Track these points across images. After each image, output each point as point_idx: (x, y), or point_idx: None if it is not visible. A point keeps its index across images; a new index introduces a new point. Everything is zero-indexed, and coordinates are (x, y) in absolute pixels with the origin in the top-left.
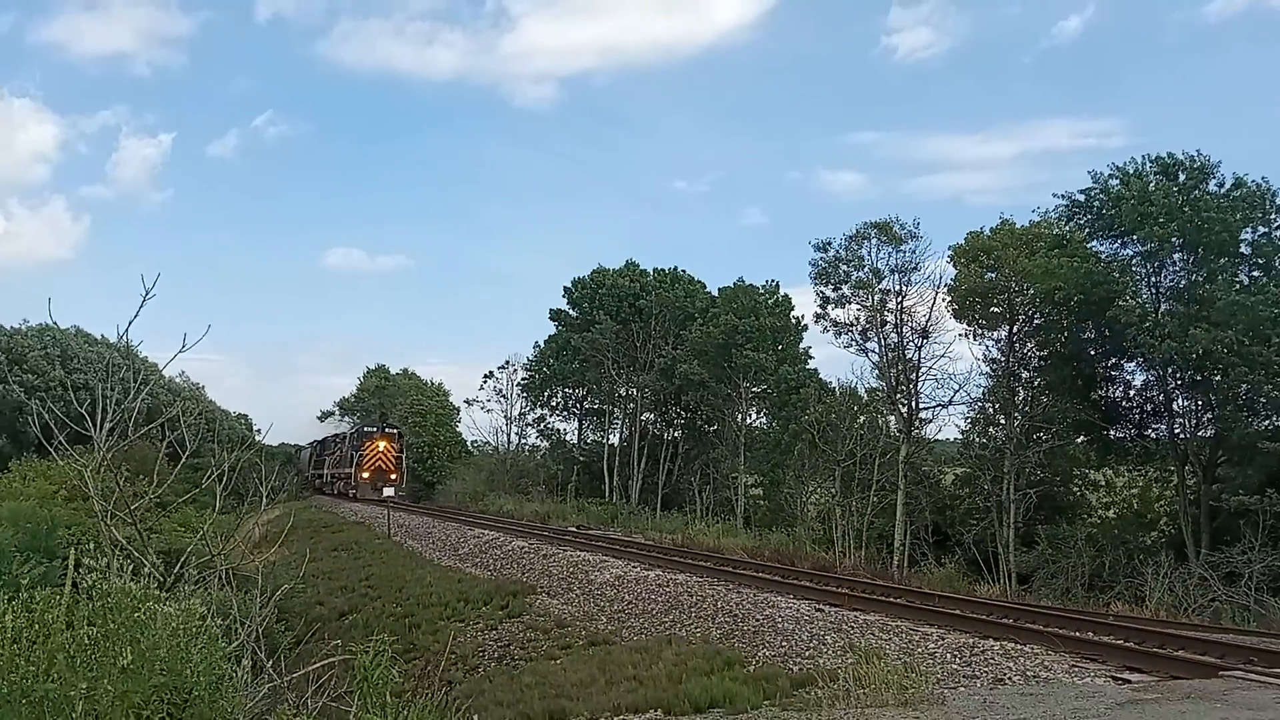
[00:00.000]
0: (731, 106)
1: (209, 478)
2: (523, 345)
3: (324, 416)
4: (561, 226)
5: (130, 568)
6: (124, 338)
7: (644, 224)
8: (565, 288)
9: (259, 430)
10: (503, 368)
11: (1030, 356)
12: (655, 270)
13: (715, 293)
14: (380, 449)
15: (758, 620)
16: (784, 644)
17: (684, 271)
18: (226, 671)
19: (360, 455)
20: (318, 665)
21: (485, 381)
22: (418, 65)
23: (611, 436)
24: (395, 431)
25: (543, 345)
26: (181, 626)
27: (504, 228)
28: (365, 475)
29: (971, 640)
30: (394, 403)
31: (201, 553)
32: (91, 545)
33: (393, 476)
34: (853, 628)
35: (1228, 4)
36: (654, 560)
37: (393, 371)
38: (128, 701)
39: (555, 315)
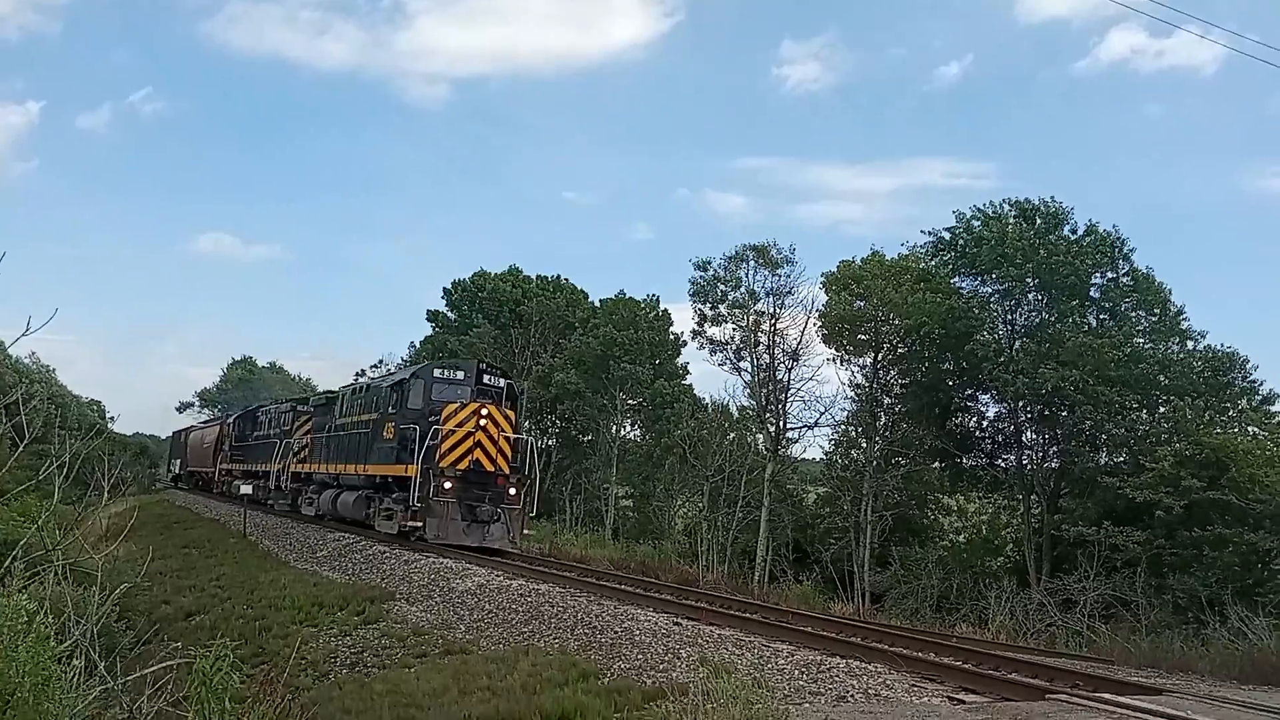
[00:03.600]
0: (624, 122)
1: (48, 466)
2: (398, 345)
3: (183, 407)
4: (445, 227)
5: None
6: None
7: (530, 231)
8: (445, 289)
9: (112, 418)
10: (375, 366)
11: (892, 384)
12: (538, 277)
13: (597, 304)
14: (482, 423)
15: (616, 633)
16: (640, 657)
17: (567, 280)
18: (54, 672)
19: (435, 435)
20: (156, 667)
21: (356, 380)
22: (308, 54)
23: None
24: (504, 384)
25: (418, 346)
26: (6, 624)
27: (386, 224)
28: (448, 484)
29: (820, 657)
30: (258, 397)
31: (36, 545)
32: None
33: (511, 492)
34: (708, 642)
35: (1093, 63)
36: (518, 569)
37: (259, 364)
38: None
39: (433, 316)
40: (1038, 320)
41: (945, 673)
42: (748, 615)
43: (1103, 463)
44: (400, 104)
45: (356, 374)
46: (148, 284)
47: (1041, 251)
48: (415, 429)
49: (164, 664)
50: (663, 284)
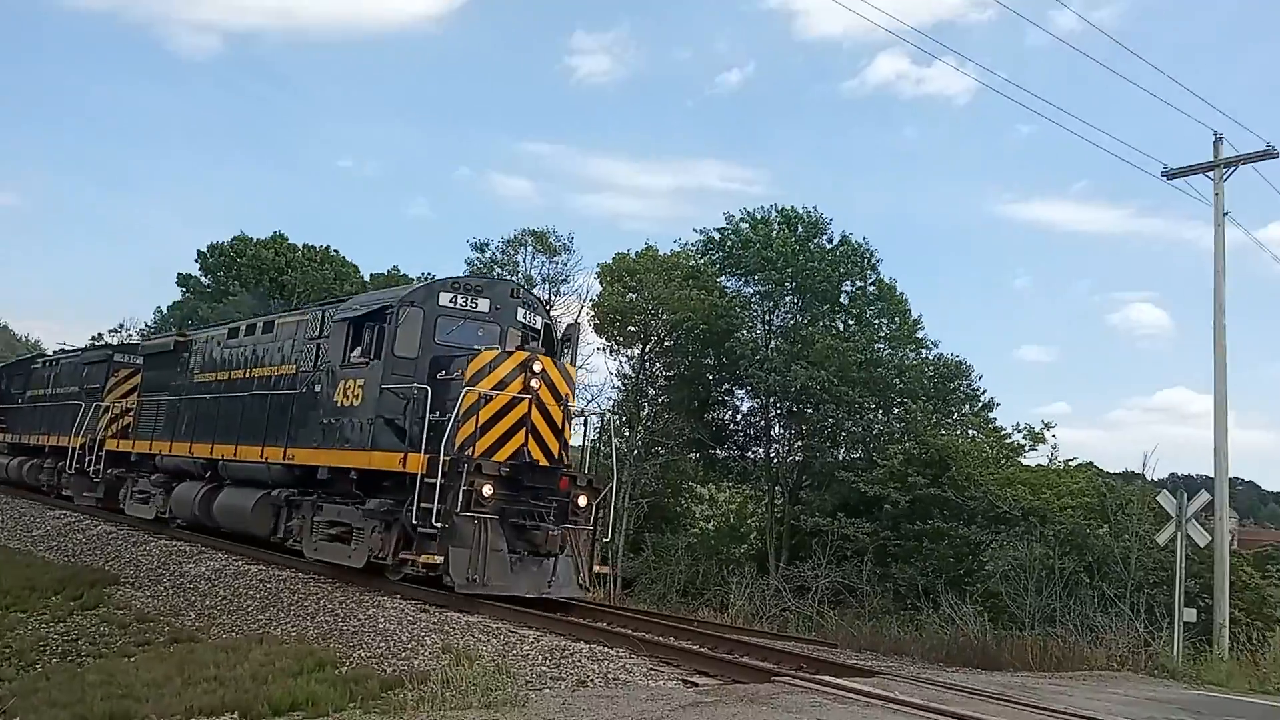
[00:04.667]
0: (407, 95)
1: None
2: (142, 309)
3: None
4: (205, 186)
5: None
6: None
7: (299, 197)
8: (200, 252)
9: None
10: (115, 330)
11: (657, 376)
12: (305, 246)
13: (368, 278)
14: (533, 383)
15: (359, 620)
16: (382, 645)
17: (337, 252)
18: None
19: (455, 403)
20: None
21: (92, 343)
22: None
23: None
24: (542, 323)
25: (165, 311)
26: None
27: (138, 178)
28: (486, 489)
29: (564, 643)
30: None
31: None
32: None
33: (581, 502)
34: (454, 629)
35: (860, 84)
36: (258, 555)
37: None
38: None
39: (184, 280)
40: (792, 322)
41: (683, 656)
42: (496, 602)
43: (841, 458)
44: (165, 52)
45: (92, 338)
46: None
47: (800, 258)
48: (422, 391)
49: None
50: (439, 263)
